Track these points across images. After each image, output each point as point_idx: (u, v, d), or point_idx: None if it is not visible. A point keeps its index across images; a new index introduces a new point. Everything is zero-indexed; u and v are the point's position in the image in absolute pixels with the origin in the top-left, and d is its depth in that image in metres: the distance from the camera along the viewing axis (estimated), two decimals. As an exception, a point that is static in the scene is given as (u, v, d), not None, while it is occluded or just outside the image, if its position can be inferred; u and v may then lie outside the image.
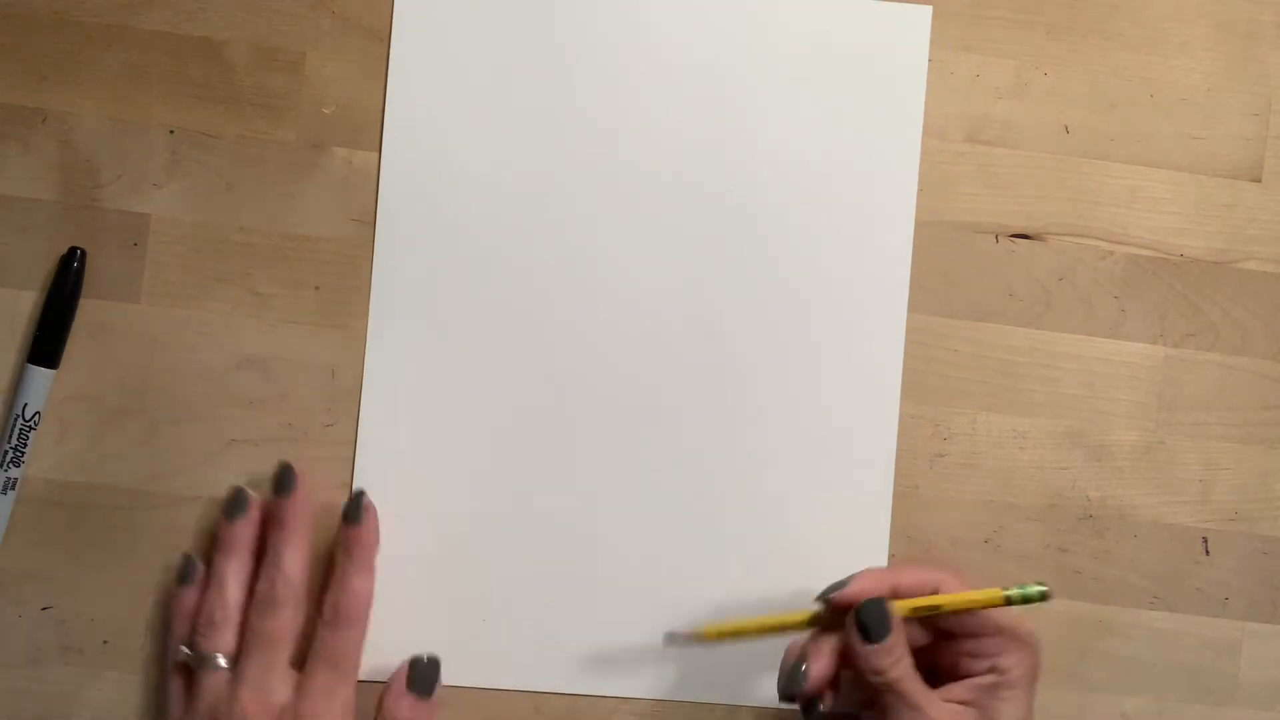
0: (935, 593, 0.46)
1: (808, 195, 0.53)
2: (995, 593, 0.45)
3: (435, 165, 0.52)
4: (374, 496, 0.51)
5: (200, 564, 0.50)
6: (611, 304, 0.52)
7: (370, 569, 0.50)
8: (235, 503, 0.50)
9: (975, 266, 0.53)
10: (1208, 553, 0.54)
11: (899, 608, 0.46)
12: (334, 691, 0.48)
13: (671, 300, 0.53)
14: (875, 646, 0.45)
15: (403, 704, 0.49)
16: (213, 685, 0.48)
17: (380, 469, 0.52)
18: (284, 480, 0.50)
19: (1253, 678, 0.54)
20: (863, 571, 0.47)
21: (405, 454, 0.52)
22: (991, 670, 0.46)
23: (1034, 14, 0.54)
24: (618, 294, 0.52)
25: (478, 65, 0.52)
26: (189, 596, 0.50)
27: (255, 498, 0.50)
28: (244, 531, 0.50)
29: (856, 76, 0.53)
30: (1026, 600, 0.44)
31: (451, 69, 0.52)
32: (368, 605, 0.49)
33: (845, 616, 0.46)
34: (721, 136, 0.53)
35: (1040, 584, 0.45)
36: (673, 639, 0.49)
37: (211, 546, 0.50)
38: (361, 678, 0.49)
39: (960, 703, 0.46)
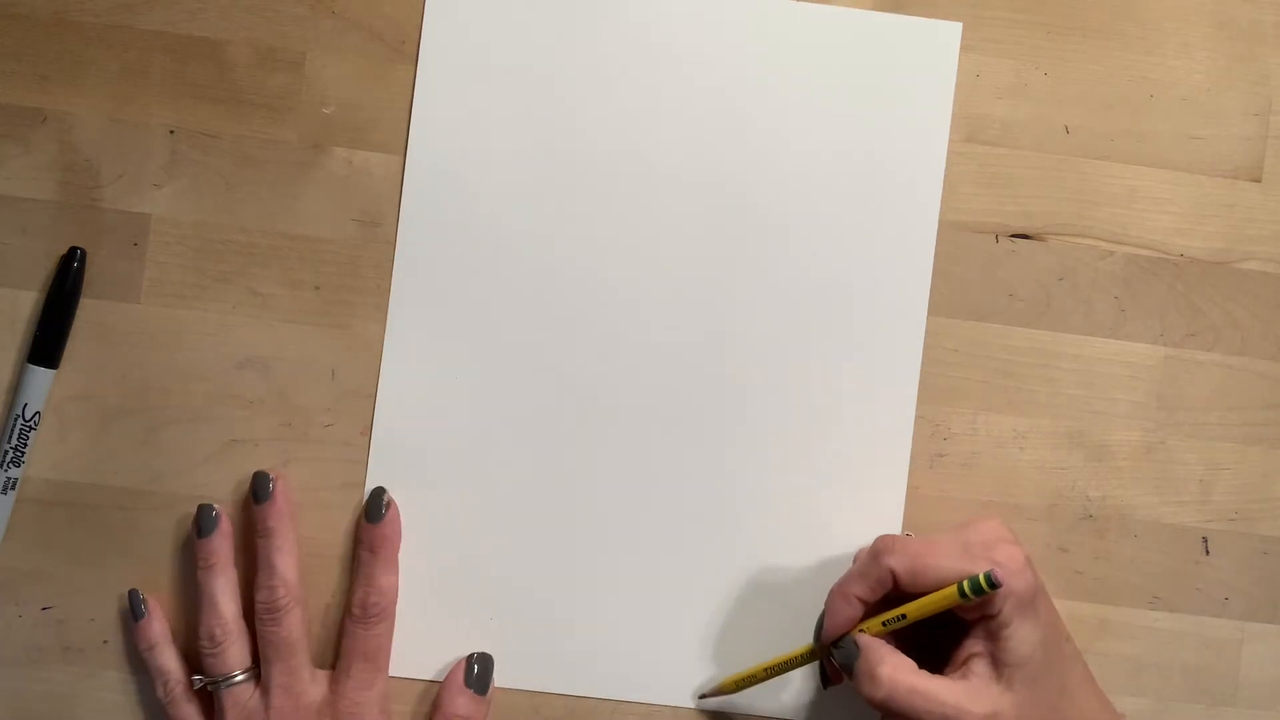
0: (895, 581, 0.46)
1: (831, 203, 0.53)
2: (951, 590, 0.45)
3: (457, 168, 0.52)
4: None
5: (143, 599, 0.50)
6: (629, 307, 0.52)
7: (395, 564, 0.51)
8: (206, 519, 0.50)
9: (975, 266, 0.53)
10: (1208, 553, 0.54)
11: (870, 627, 0.47)
12: (371, 684, 0.49)
13: (689, 304, 0.53)
14: (856, 679, 0.46)
15: (460, 700, 0.50)
16: (239, 700, 0.49)
17: (392, 468, 0.52)
18: (262, 488, 0.50)
19: (1253, 678, 0.54)
20: (831, 599, 0.48)
21: (417, 453, 0.52)
22: (983, 616, 0.46)
23: (1034, 14, 0.54)
24: (636, 297, 0.52)
25: (502, 70, 0.52)
26: (144, 630, 0.50)
27: (222, 510, 0.51)
28: (221, 545, 0.50)
29: (886, 91, 0.53)
30: (979, 591, 0.44)
31: (476, 73, 0.52)
32: (395, 599, 0.51)
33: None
34: (745, 144, 0.53)
35: (987, 572, 0.44)
36: (704, 699, 0.52)
37: (192, 566, 0.51)
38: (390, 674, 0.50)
39: (970, 657, 0.46)
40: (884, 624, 0.47)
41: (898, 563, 0.46)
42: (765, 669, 0.50)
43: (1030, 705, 0.45)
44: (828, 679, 0.50)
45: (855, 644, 0.47)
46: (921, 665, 0.46)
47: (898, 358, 0.53)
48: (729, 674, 0.52)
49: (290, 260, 0.52)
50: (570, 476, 0.52)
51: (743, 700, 0.52)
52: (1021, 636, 0.45)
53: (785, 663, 0.50)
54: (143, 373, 0.52)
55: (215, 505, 0.51)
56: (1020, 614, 0.45)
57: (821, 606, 0.48)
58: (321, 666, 0.51)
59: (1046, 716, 0.45)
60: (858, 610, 0.47)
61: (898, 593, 0.46)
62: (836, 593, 0.47)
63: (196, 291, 0.52)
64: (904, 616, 0.46)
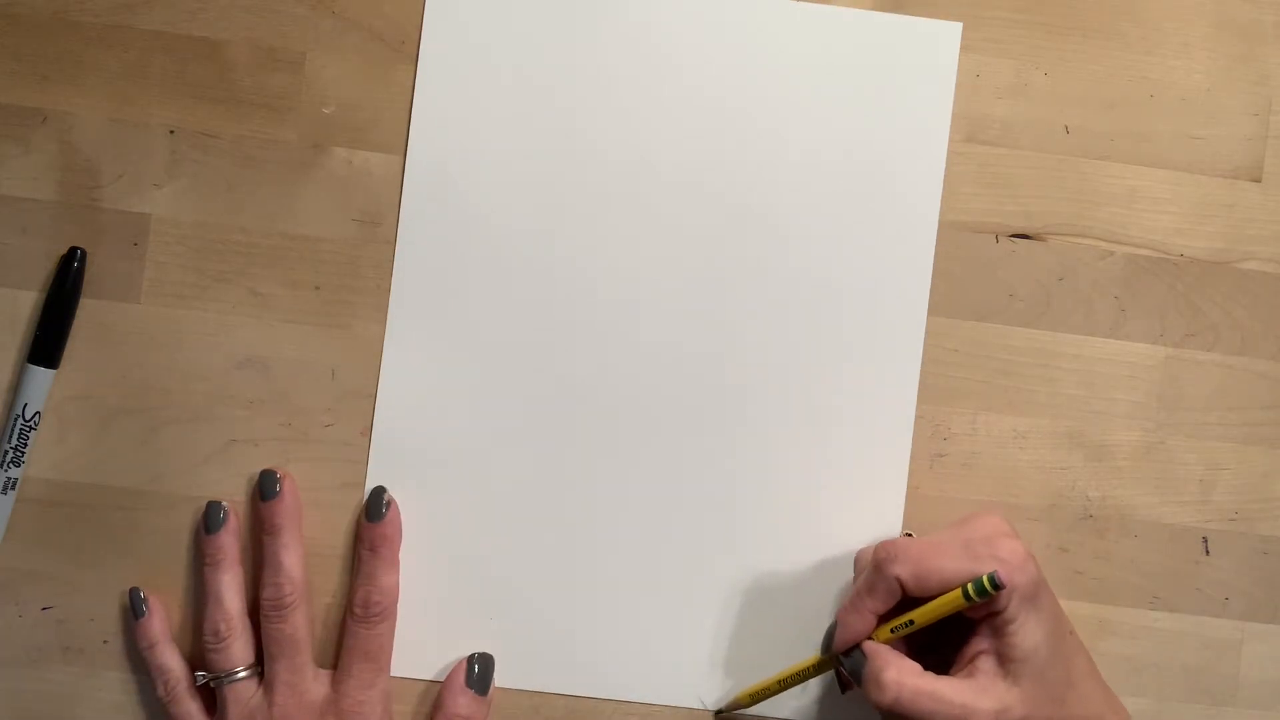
0: (902, 588, 0.46)
1: (831, 203, 0.53)
2: (956, 594, 0.45)
3: (457, 169, 0.52)
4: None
5: (144, 597, 0.51)
6: (629, 306, 0.52)
7: (396, 564, 0.51)
8: (215, 516, 0.51)
9: (975, 266, 0.53)
10: (1208, 553, 0.54)
11: (879, 635, 0.47)
12: (373, 683, 0.49)
13: (689, 304, 0.52)
14: (864, 686, 0.46)
15: (461, 700, 0.50)
16: (242, 697, 0.49)
17: (392, 468, 0.52)
18: (269, 485, 0.50)
19: (1253, 678, 0.54)
20: (843, 614, 0.48)
21: (417, 453, 0.52)
22: (989, 614, 0.46)
23: (1034, 14, 0.54)
24: (635, 296, 0.52)
25: (502, 70, 0.52)
26: (145, 628, 0.50)
27: (231, 507, 0.51)
28: (228, 542, 0.50)
29: (886, 91, 0.53)
30: (983, 594, 0.44)
31: (476, 75, 0.52)
32: (396, 599, 0.51)
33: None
34: (745, 144, 0.53)
35: (991, 574, 0.44)
36: (719, 715, 0.52)
37: (199, 562, 0.51)
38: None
39: (977, 655, 0.46)
40: (892, 630, 0.47)
41: (903, 570, 0.46)
42: (778, 681, 0.50)
43: (1037, 699, 0.45)
44: (844, 684, 0.51)
45: (862, 652, 0.47)
46: (930, 665, 0.46)
47: (898, 358, 0.53)
48: (729, 673, 0.52)
49: (290, 260, 0.52)
50: (570, 476, 0.52)
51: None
52: (1027, 631, 0.45)
53: (797, 674, 0.50)
54: (143, 373, 0.52)
55: (224, 502, 0.51)
56: (1024, 608, 0.45)
57: (821, 605, 0.49)
58: (323, 666, 0.51)
59: (1053, 710, 0.45)
60: (870, 624, 0.47)
61: (905, 597, 0.46)
62: (849, 608, 0.47)
63: (196, 291, 0.52)
64: (911, 623, 0.46)
